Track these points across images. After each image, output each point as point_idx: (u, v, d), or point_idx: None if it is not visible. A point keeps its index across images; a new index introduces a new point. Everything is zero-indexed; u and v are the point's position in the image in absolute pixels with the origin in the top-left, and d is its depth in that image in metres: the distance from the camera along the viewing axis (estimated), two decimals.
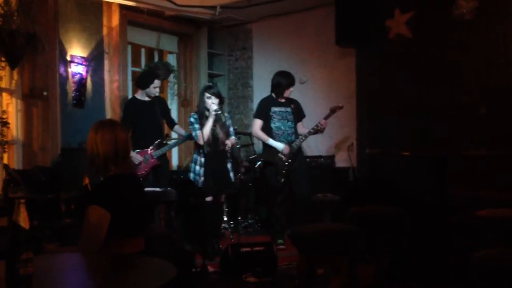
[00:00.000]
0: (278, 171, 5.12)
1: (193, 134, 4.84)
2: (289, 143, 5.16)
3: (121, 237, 2.43)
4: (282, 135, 5.20)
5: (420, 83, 5.59)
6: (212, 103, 4.82)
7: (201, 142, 4.81)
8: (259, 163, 5.83)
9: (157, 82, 5.39)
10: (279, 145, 5.12)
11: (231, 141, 5.00)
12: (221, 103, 4.93)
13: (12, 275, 1.67)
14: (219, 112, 4.83)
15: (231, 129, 5.15)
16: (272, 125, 5.20)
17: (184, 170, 6.67)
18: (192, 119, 4.88)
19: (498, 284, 2.26)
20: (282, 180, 5.11)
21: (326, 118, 5.18)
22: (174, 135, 5.92)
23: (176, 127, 5.66)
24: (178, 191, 4.89)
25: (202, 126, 4.83)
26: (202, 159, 4.89)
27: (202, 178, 4.86)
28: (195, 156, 5.01)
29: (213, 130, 4.88)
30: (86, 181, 2.60)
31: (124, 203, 2.46)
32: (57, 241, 3.65)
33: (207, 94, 4.89)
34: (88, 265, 2.26)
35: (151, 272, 2.01)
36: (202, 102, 4.94)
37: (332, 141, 6.47)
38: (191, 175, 4.98)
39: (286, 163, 5.10)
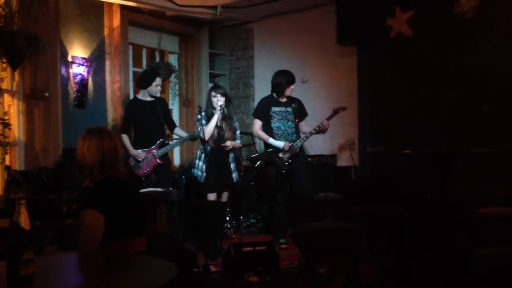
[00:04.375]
0: (278, 171, 5.12)
1: (199, 129, 4.86)
2: (289, 142, 5.15)
3: (120, 238, 2.43)
4: (283, 135, 5.19)
5: (422, 82, 5.58)
6: (218, 101, 4.87)
7: (206, 137, 4.82)
8: (258, 162, 5.83)
9: (158, 80, 5.39)
10: (279, 143, 5.12)
11: (233, 143, 5.03)
12: (228, 102, 4.99)
13: (13, 275, 1.67)
14: (224, 106, 4.86)
15: (238, 132, 5.17)
16: (273, 125, 5.20)
17: (186, 169, 6.68)
18: (199, 116, 4.91)
19: (500, 282, 2.25)
20: (282, 179, 5.11)
21: (328, 119, 5.16)
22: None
23: (176, 129, 5.62)
24: (180, 191, 4.89)
25: (208, 123, 4.89)
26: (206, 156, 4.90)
27: (205, 174, 4.86)
28: (199, 152, 5.03)
29: (219, 128, 4.92)
30: (87, 182, 2.59)
31: (117, 205, 2.47)
32: (59, 242, 3.66)
33: (213, 93, 4.97)
34: (89, 265, 2.26)
35: (152, 271, 2.01)
36: (208, 101, 5.03)
37: (334, 140, 6.46)
38: (195, 171, 5.01)
39: (286, 163, 5.09)
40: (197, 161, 5.02)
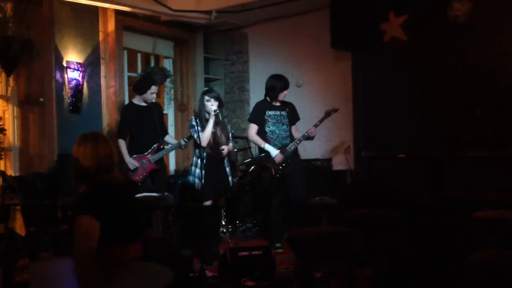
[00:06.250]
0: (272, 175, 5.12)
1: (195, 136, 4.83)
2: (283, 146, 5.17)
3: (116, 244, 2.43)
4: (277, 139, 5.20)
5: (416, 86, 5.61)
6: (211, 105, 4.85)
7: (203, 144, 4.81)
8: (253, 167, 5.84)
9: (154, 88, 5.38)
10: (273, 152, 5.12)
11: (228, 147, 5.00)
12: (220, 106, 4.95)
13: (8, 282, 1.67)
14: (218, 111, 4.84)
15: (230, 135, 5.16)
16: (267, 129, 5.21)
17: (181, 174, 6.67)
18: (193, 122, 4.87)
19: (494, 286, 2.26)
20: (277, 183, 5.12)
21: (320, 121, 5.18)
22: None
23: (167, 137, 5.61)
24: (176, 196, 4.87)
25: (203, 128, 4.84)
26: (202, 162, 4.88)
27: (202, 181, 4.84)
28: (195, 158, 5.00)
29: (214, 133, 4.90)
30: (82, 187, 2.59)
31: (112, 211, 2.46)
32: (54, 248, 3.64)
33: (206, 97, 4.91)
34: (85, 271, 2.25)
35: (148, 277, 2.00)
36: (201, 105, 4.95)
37: (329, 144, 6.48)
38: (191, 178, 4.97)
39: (280, 167, 5.11)
40: (193, 167, 4.98)
